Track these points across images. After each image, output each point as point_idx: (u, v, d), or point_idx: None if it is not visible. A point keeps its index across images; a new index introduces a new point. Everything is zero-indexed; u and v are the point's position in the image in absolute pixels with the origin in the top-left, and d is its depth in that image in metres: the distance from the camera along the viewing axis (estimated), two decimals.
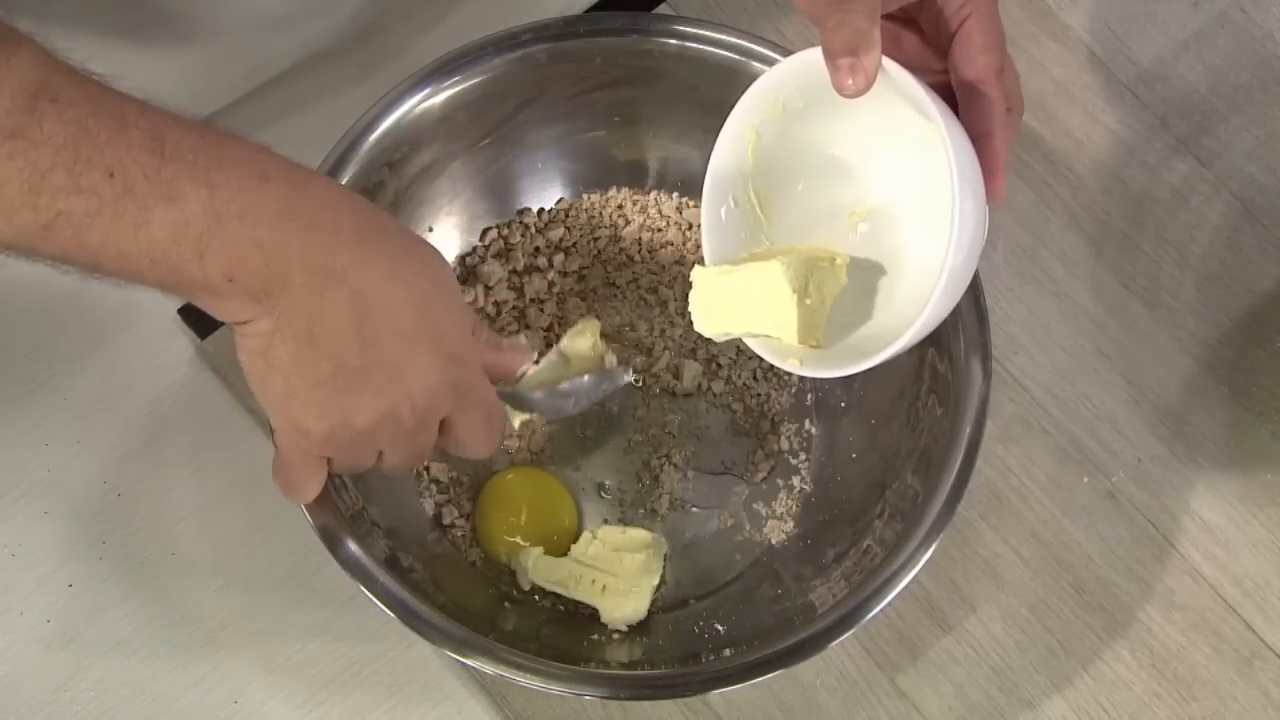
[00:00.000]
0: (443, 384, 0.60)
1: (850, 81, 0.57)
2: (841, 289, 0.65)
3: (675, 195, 0.82)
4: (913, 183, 0.65)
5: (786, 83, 0.62)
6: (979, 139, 0.60)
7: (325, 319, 0.55)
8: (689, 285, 0.80)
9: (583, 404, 0.72)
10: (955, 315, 0.72)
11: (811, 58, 0.60)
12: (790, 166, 0.66)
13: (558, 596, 0.74)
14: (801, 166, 0.66)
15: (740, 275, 0.63)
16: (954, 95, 0.62)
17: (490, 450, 0.66)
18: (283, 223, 0.54)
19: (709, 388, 0.80)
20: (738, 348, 0.80)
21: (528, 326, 0.79)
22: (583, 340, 0.73)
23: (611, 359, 0.74)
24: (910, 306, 0.61)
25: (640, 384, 0.80)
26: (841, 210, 0.67)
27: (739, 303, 0.63)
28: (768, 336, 0.64)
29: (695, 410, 0.80)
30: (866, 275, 0.67)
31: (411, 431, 0.61)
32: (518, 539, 0.75)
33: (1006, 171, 0.61)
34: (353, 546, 0.66)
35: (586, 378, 0.71)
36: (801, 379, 0.80)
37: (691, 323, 0.80)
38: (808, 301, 0.63)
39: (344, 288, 0.55)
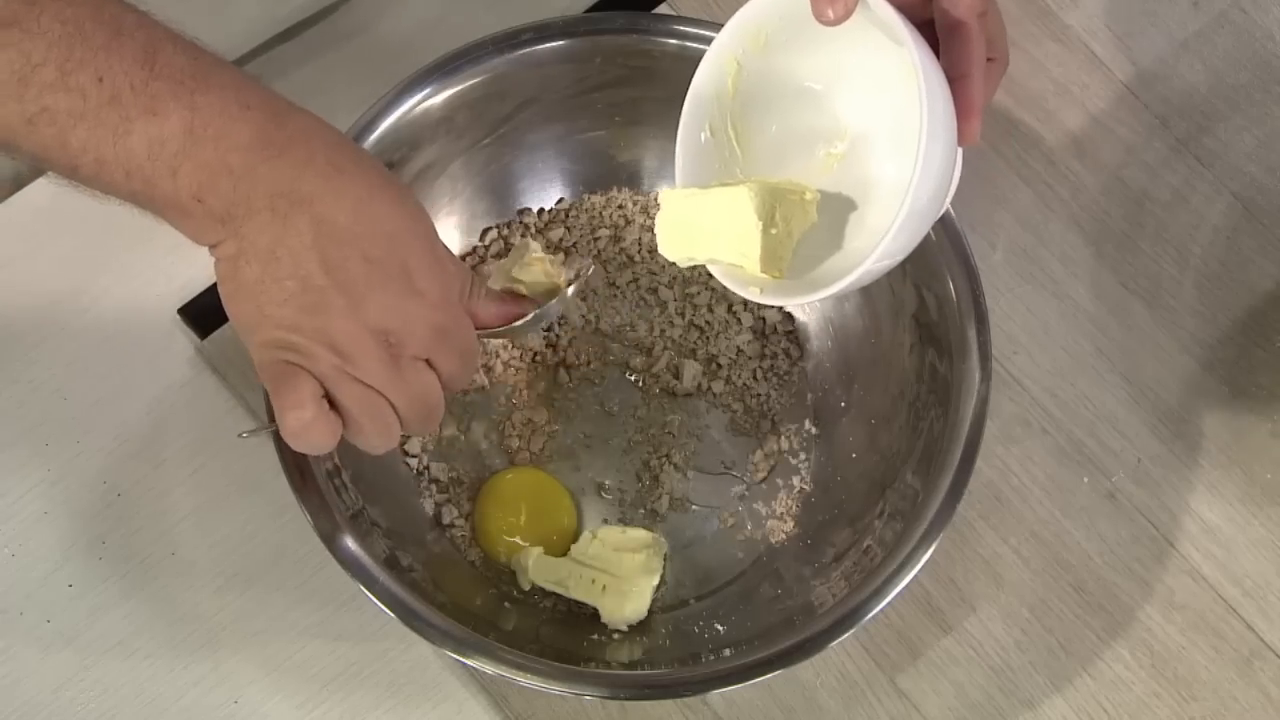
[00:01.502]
0: (415, 320, 0.59)
1: (829, 11, 0.58)
2: (810, 225, 0.65)
3: None
4: (889, 117, 0.65)
5: (769, 13, 0.62)
6: (957, 80, 0.60)
7: (288, 241, 0.56)
8: (689, 284, 0.81)
9: (555, 312, 0.71)
10: (955, 315, 0.72)
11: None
12: (769, 99, 0.66)
13: (558, 596, 0.74)
14: (780, 99, 0.66)
15: (707, 199, 0.63)
16: (936, 40, 0.61)
17: (459, 388, 0.64)
18: (256, 150, 0.55)
19: (709, 388, 0.80)
20: (739, 348, 0.80)
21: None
22: (533, 270, 0.72)
23: (567, 273, 0.72)
24: (875, 238, 0.61)
25: (640, 384, 0.80)
26: (818, 145, 0.67)
27: (705, 228, 0.63)
28: (731, 264, 0.64)
29: (695, 410, 0.80)
30: (840, 209, 0.67)
31: (391, 363, 0.59)
32: (517, 539, 0.75)
33: (983, 118, 0.61)
34: (353, 546, 0.66)
35: (554, 302, 0.69)
36: (802, 378, 0.80)
37: (692, 321, 0.80)
38: (773, 231, 0.62)
39: (308, 213, 0.56)
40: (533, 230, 0.81)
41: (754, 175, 0.66)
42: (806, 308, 0.81)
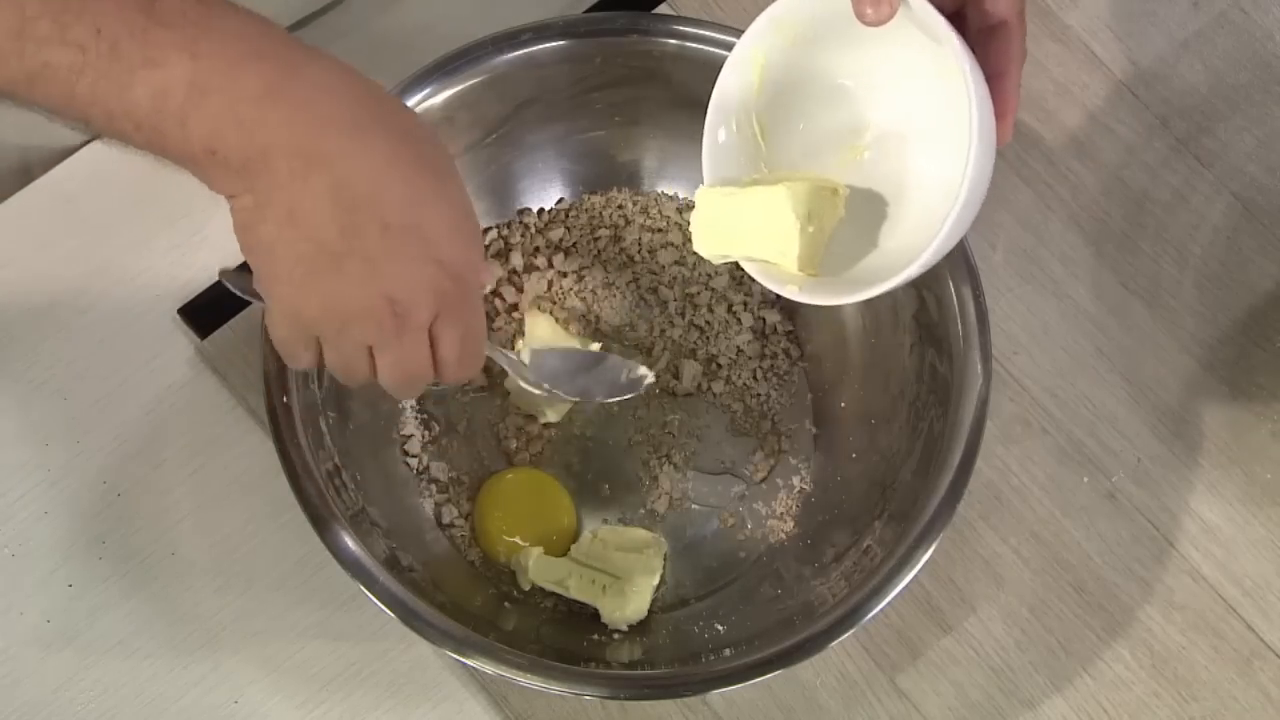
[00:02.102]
0: (426, 288, 0.58)
1: (872, 11, 0.57)
2: (838, 220, 0.65)
3: (676, 196, 0.82)
4: (922, 115, 0.65)
5: (801, 9, 0.62)
6: (994, 78, 0.60)
7: (304, 203, 0.55)
8: (689, 284, 0.81)
9: (601, 388, 0.73)
10: (955, 315, 0.72)
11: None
12: (796, 94, 0.66)
13: (558, 596, 0.74)
14: (808, 95, 0.66)
15: (745, 198, 0.63)
16: (965, 35, 0.61)
17: (459, 377, 0.63)
18: (267, 102, 0.53)
19: (709, 388, 0.80)
20: (739, 348, 0.80)
21: (522, 334, 0.79)
22: (540, 327, 0.75)
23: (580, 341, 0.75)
24: (916, 236, 0.61)
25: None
26: (845, 140, 0.68)
27: (741, 226, 0.63)
28: (766, 262, 0.64)
29: (695, 410, 0.80)
30: (869, 206, 0.67)
31: (394, 331, 0.59)
32: (517, 539, 0.75)
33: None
34: (353, 546, 0.66)
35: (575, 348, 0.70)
36: (802, 379, 0.80)
37: (692, 321, 0.80)
38: (810, 230, 0.63)
39: (328, 174, 0.54)
40: (533, 230, 0.81)
41: (778, 170, 0.67)
42: (804, 306, 0.81)
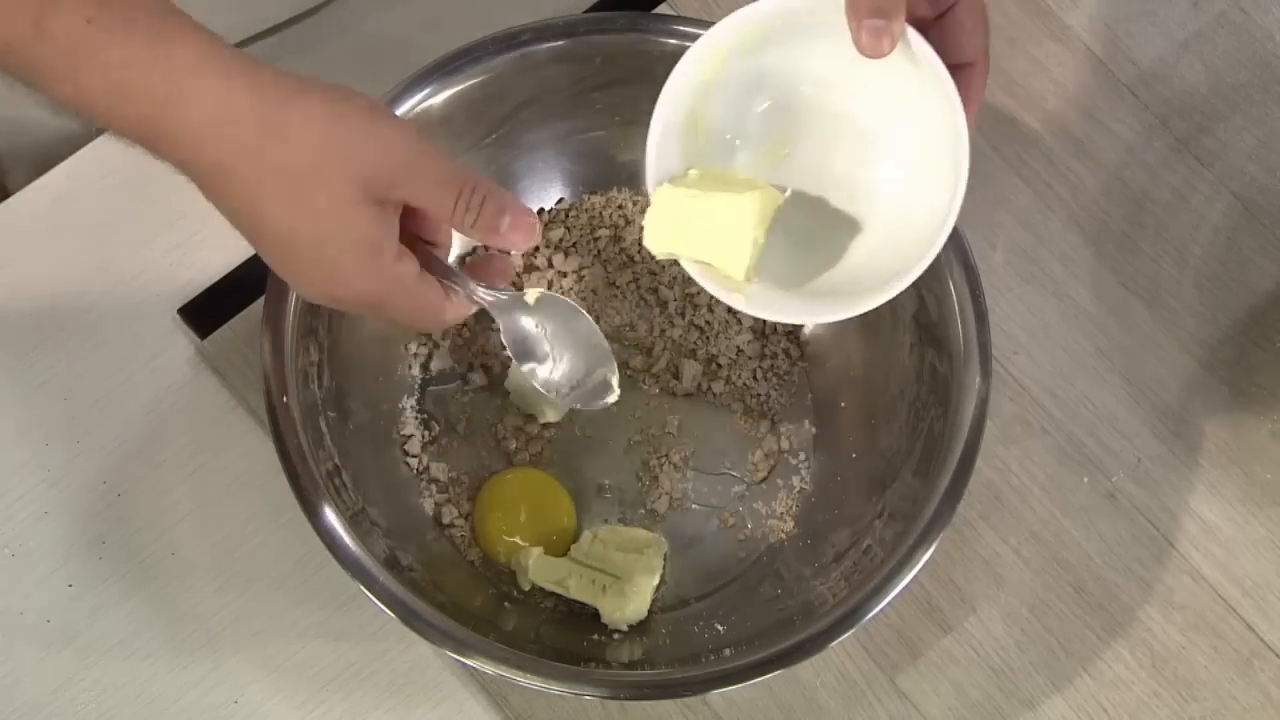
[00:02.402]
0: (323, 301, 0.62)
1: (872, 43, 0.58)
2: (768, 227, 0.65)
3: None
4: (891, 127, 0.65)
5: (774, 14, 0.62)
6: None
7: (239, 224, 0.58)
8: (689, 284, 0.81)
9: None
10: (955, 315, 0.72)
11: (803, 3, 0.60)
12: (746, 95, 0.66)
13: (558, 596, 0.74)
14: (757, 97, 0.66)
15: (706, 201, 0.63)
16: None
17: (427, 328, 0.67)
18: (150, 132, 0.55)
19: (709, 388, 0.80)
20: (739, 348, 0.80)
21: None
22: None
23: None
24: (882, 258, 0.62)
25: (640, 384, 0.80)
26: (788, 147, 0.67)
27: (696, 227, 0.63)
28: (709, 265, 0.64)
29: (695, 410, 0.80)
30: (820, 216, 0.67)
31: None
32: (517, 539, 0.75)
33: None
34: (353, 546, 0.66)
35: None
36: (802, 378, 0.80)
37: (692, 321, 0.80)
38: (760, 239, 0.63)
39: (243, 220, 0.57)
40: None
41: (706, 167, 0.66)
42: None
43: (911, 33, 0.59)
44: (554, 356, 0.68)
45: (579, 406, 0.69)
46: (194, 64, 0.54)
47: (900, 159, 0.65)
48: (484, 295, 0.65)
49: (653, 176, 0.64)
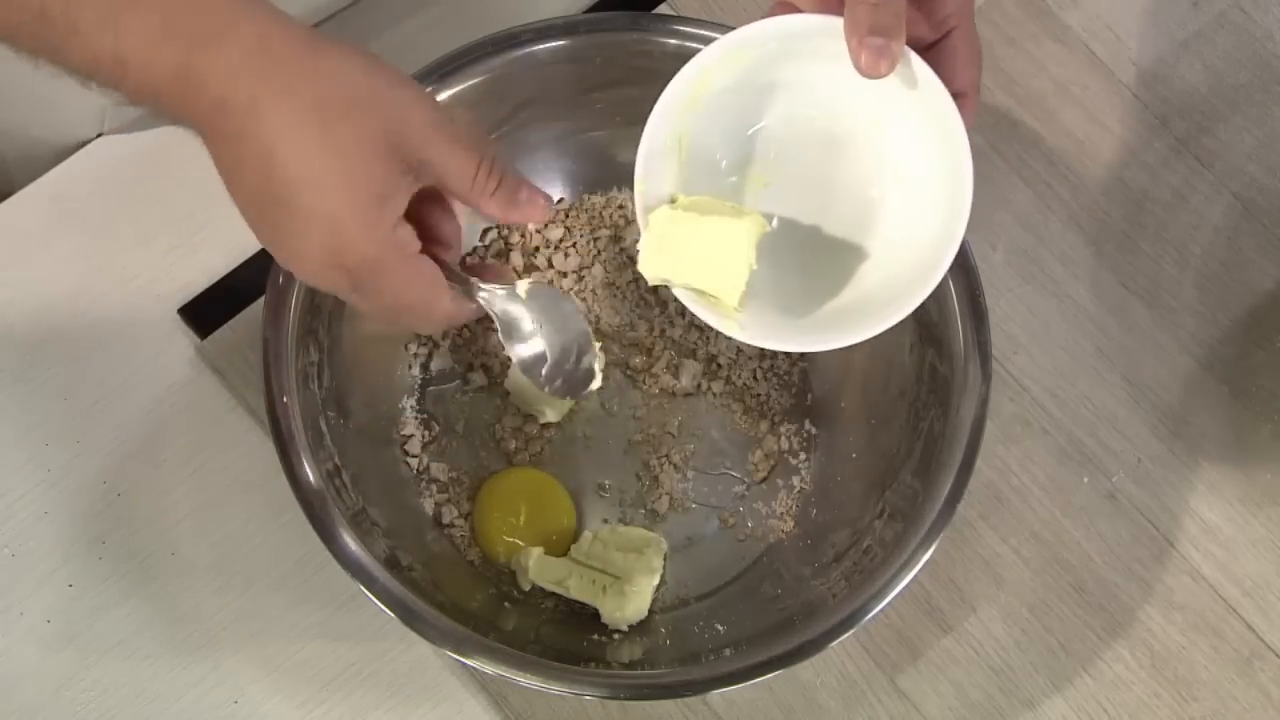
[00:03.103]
0: (319, 272, 0.59)
1: (872, 62, 0.57)
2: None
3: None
4: (889, 151, 0.65)
5: (766, 36, 0.61)
6: None
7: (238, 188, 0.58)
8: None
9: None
10: (955, 315, 0.72)
11: (799, 25, 0.60)
12: (735, 118, 0.65)
13: (558, 596, 0.74)
14: (748, 121, 0.66)
15: (703, 225, 0.62)
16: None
17: (423, 320, 0.65)
18: (183, 80, 0.54)
19: (709, 388, 0.80)
20: (739, 348, 0.80)
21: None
22: None
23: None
24: (889, 279, 0.62)
25: (640, 384, 0.80)
26: (796, 173, 0.67)
27: (691, 253, 0.63)
28: (701, 293, 0.63)
29: (695, 410, 0.80)
30: (823, 241, 0.66)
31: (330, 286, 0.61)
32: (517, 539, 0.75)
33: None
34: (353, 546, 0.66)
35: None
36: (802, 378, 0.80)
37: (692, 322, 0.80)
38: (753, 266, 0.63)
39: (235, 146, 0.56)
40: (532, 230, 0.81)
41: (696, 191, 0.65)
42: None
43: (911, 54, 0.58)
44: (544, 341, 0.69)
45: (567, 397, 0.69)
46: (232, 7, 0.54)
47: (899, 183, 0.64)
48: (481, 289, 0.66)
49: (643, 201, 0.64)
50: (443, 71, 0.73)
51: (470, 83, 0.74)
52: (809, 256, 0.67)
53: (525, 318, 0.68)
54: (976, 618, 0.78)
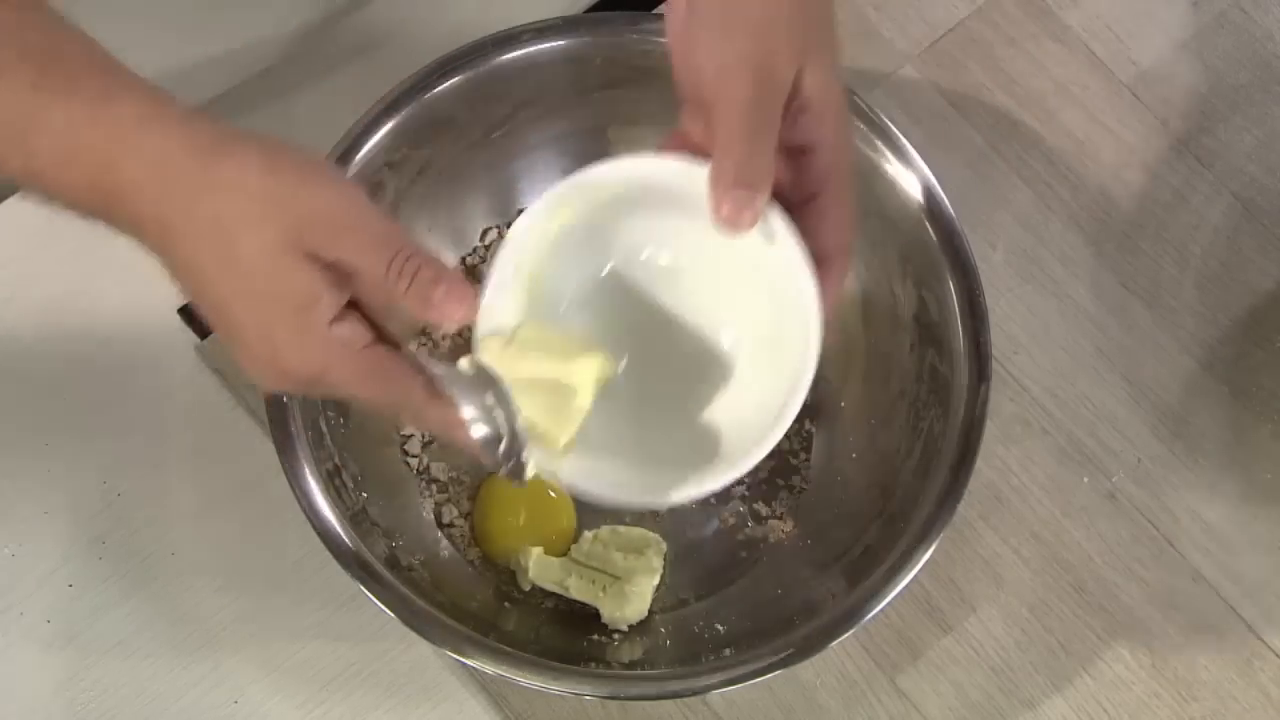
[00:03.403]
0: (270, 380, 0.56)
1: (733, 216, 0.55)
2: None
3: None
4: (742, 306, 0.63)
5: (622, 182, 0.60)
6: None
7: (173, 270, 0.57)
8: None
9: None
10: (955, 315, 0.72)
11: (658, 169, 0.58)
12: (591, 260, 0.63)
13: (558, 596, 0.74)
14: (604, 263, 0.64)
15: (536, 363, 0.58)
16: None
17: (406, 416, 0.59)
18: (100, 197, 0.54)
19: None
20: None
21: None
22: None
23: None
24: (727, 437, 0.61)
25: None
26: (645, 318, 0.65)
27: (523, 387, 0.57)
28: (532, 424, 0.58)
29: None
30: (668, 390, 0.64)
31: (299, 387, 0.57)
32: (516, 539, 0.75)
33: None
34: (353, 546, 0.66)
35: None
36: None
37: None
38: (587, 408, 0.59)
39: (165, 259, 0.56)
40: None
41: (541, 325, 0.62)
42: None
43: (775, 210, 0.57)
44: (499, 421, 0.59)
45: (513, 481, 0.61)
46: (135, 121, 0.53)
47: (749, 338, 0.63)
48: (434, 368, 0.57)
49: (482, 330, 0.59)
50: (443, 71, 0.73)
51: (470, 83, 0.74)
52: (650, 403, 0.64)
53: (477, 397, 0.58)
54: (976, 618, 0.78)
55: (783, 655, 0.66)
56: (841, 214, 0.59)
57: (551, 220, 0.61)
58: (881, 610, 0.67)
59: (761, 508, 0.78)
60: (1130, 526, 0.80)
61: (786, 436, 0.78)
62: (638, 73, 0.76)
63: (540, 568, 0.74)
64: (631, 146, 0.80)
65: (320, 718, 0.74)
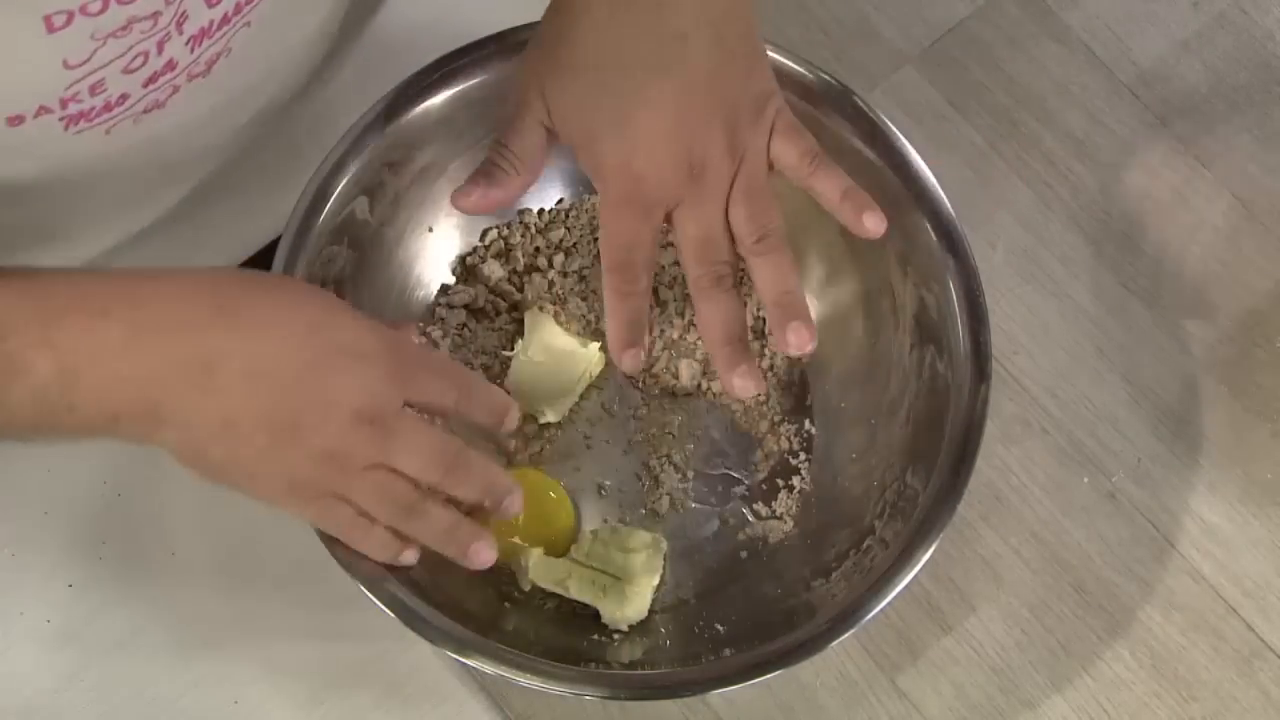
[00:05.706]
0: (315, 480, 0.60)
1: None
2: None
3: None
4: None
5: None
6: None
7: (230, 407, 0.57)
8: (684, 279, 0.80)
9: None
10: (955, 315, 0.72)
11: None
12: None
13: (558, 596, 0.74)
14: None
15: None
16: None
17: (445, 482, 0.64)
18: (135, 345, 0.54)
19: (708, 388, 0.80)
20: None
21: (521, 334, 0.79)
22: (541, 327, 0.77)
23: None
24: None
25: (640, 384, 0.80)
26: None
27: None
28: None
29: (695, 410, 0.80)
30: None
31: (340, 478, 0.61)
32: (517, 539, 0.75)
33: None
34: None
35: None
36: (801, 378, 0.80)
37: (691, 321, 0.80)
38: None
39: (223, 374, 0.56)
40: (533, 230, 0.81)
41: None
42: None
43: None
44: None
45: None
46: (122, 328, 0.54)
47: None
48: None
49: None
50: (443, 71, 0.73)
51: (470, 83, 0.74)
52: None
53: None
54: (976, 618, 0.78)
55: (783, 655, 0.66)
56: (835, 174, 0.68)
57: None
58: (881, 610, 0.67)
59: (761, 508, 0.78)
60: (1130, 526, 0.80)
61: (787, 437, 0.79)
62: None
63: (540, 568, 0.74)
64: None
65: (320, 718, 0.74)
